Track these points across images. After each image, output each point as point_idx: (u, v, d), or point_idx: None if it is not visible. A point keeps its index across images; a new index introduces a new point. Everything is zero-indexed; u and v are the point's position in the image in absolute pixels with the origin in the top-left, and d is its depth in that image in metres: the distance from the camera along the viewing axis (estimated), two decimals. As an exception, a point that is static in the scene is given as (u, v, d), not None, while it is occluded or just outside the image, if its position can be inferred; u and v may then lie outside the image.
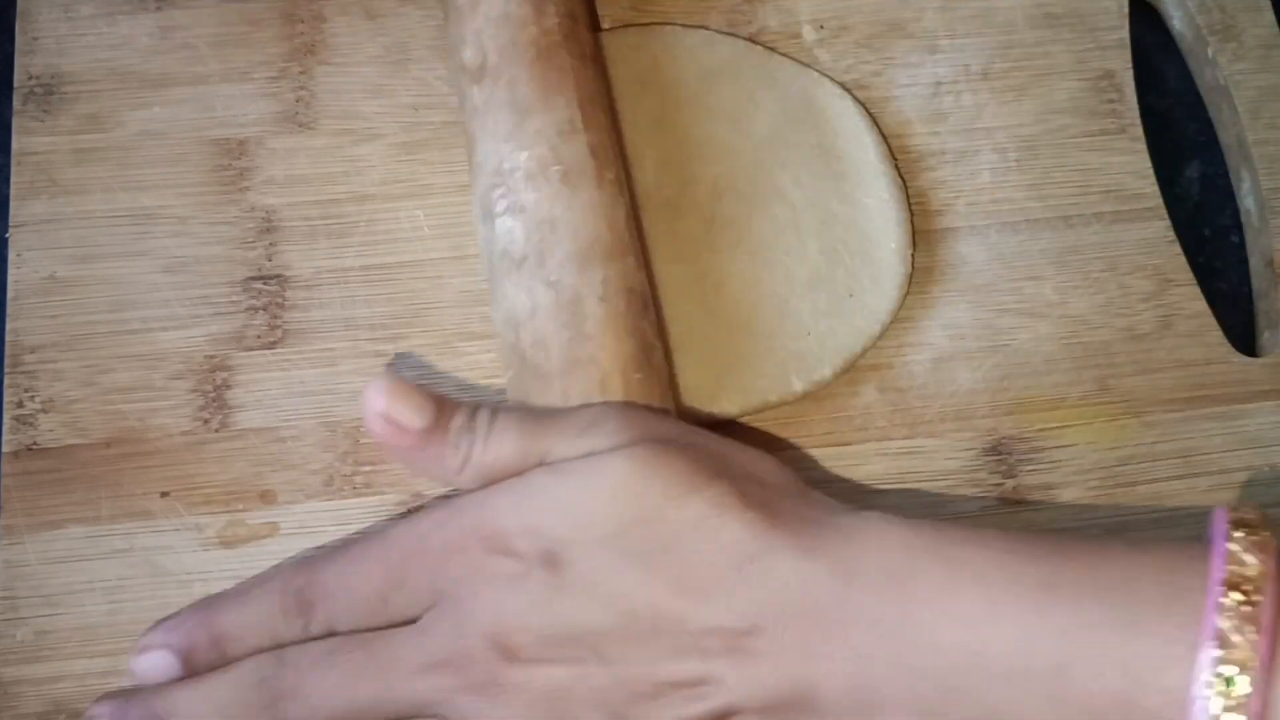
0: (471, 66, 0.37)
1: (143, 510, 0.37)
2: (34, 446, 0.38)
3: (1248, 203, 0.43)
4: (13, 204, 0.40)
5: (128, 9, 0.42)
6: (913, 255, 0.40)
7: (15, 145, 0.40)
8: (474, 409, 0.32)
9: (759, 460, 0.33)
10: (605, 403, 0.33)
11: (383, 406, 0.31)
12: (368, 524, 0.37)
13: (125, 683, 0.35)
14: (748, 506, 0.30)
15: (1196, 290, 0.41)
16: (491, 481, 0.32)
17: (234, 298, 0.39)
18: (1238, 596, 0.27)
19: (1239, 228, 0.43)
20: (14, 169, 0.40)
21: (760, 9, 0.43)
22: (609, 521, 0.30)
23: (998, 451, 0.39)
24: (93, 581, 0.36)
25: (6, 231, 0.40)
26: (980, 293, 0.40)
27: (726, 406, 0.38)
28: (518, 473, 0.31)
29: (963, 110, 0.42)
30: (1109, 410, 0.39)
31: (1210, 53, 0.43)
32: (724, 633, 0.29)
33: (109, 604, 0.36)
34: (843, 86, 0.42)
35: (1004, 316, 0.40)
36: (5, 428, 0.38)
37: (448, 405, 0.32)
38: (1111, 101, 0.43)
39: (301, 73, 0.42)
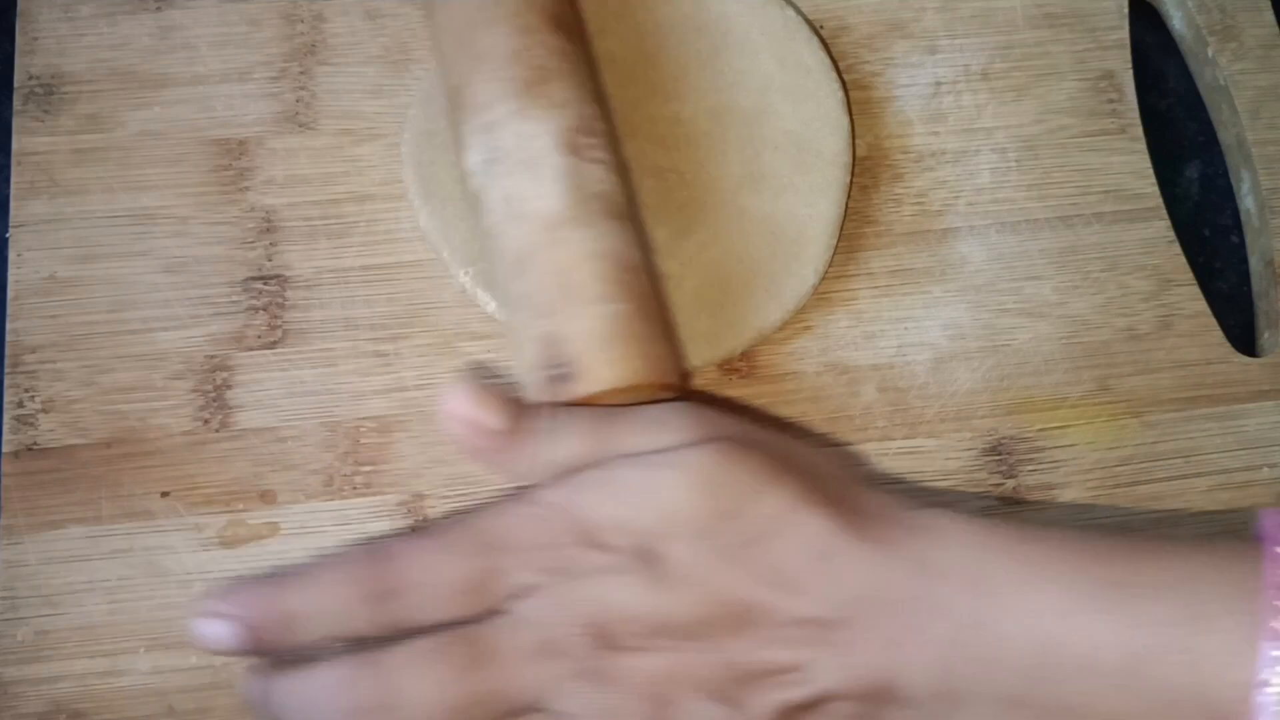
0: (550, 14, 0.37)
1: (143, 510, 0.37)
2: (34, 446, 0.38)
3: (1247, 203, 0.43)
4: (13, 204, 0.40)
5: (128, 9, 0.42)
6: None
7: (15, 145, 0.40)
8: (540, 410, 0.33)
9: (821, 456, 0.34)
10: (673, 401, 0.34)
11: (465, 411, 0.32)
12: (368, 524, 0.37)
13: (125, 682, 0.36)
14: (823, 502, 0.31)
15: (1196, 290, 0.41)
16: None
17: (234, 298, 0.39)
18: None
19: (1239, 228, 0.43)
20: (14, 169, 0.40)
21: (760, 9, 0.43)
22: (696, 516, 0.30)
23: (998, 451, 0.39)
24: (93, 581, 0.36)
25: (7, 231, 0.40)
26: (980, 293, 0.40)
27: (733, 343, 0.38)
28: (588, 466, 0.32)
29: (963, 110, 0.42)
30: (1109, 410, 0.39)
31: (1210, 53, 0.43)
32: (813, 624, 0.30)
33: (109, 604, 0.36)
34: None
35: (1004, 316, 0.40)
36: (5, 428, 0.38)
37: (521, 407, 0.33)
38: (1111, 102, 0.43)
39: (301, 73, 0.42)
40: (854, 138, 0.41)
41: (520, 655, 0.30)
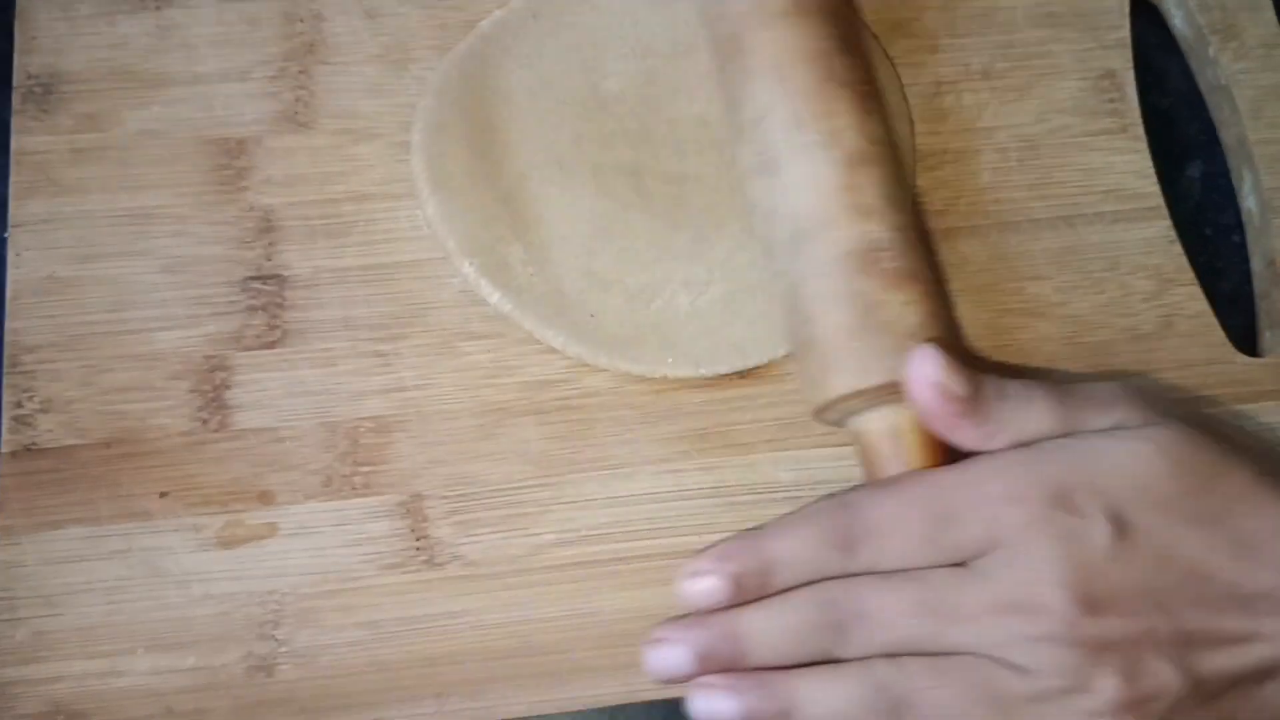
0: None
1: (142, 510, 0.37)
2: (33, 447, 0.37)
3: (1249, 203, 0.43)
4: (11, 204, 0.40)
5: (126, 8, 0.42)
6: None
7: (14, 145, 0.40)
8: (1002, 384, 0.34)
9: (1254, 441, 0.36)
10: (1117, 382, 0.35)
11: (936, 375, 0.33)
12: (367, 524, 0.37)
13: (124, 683, 0.36)
14: (1278, 485, 0.32)
15: (1198, 290, 0.41)
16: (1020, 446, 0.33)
17: (233, 297, 0.39)
18: None
19: (1240, 228, 0.43)
20: (13, 168, 0.40)
21: (761, 8, 0.43)
22: (1168, 488, 0.32)
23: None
24: (91, 582, 0.36)
25: (5, 231, 0.40)
26: (981, 293, 0.40)
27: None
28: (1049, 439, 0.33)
29: (964, 110, 0.42)
30: (1110, 410, 0.39)
31: (1211, 52, 0.43)
32: (1272, 597, 0.32)
33: (108, 604, 0.36)
34: None
35: (1005, 316, 0.40)
36: (4, 428, 0.38)
37: (978, 376, 0.34)
38: (1113, 101, 0.43)
39: (301, 72, 0.42)
40: (914, 140, 0.41)
41: (980, 607, 0.31)
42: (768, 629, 0.32)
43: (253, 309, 0.39)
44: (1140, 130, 0.42)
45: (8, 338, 0.38)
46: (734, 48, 0.37)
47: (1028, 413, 0.33)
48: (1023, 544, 0.31)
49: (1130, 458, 0.32)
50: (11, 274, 0.39)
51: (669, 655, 0.32)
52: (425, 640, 0.36)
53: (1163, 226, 0.41)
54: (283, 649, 0.36)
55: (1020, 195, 0.41)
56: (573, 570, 0.37)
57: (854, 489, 0.33)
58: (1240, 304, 0.42)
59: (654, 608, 0.37)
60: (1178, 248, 0.41)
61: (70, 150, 0.40)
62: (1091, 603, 0.31)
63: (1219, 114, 0.44)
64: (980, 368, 0.34)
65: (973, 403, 0.33)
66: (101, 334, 0.39)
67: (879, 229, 0.35)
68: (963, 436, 0.33)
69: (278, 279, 0.39)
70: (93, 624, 0.36)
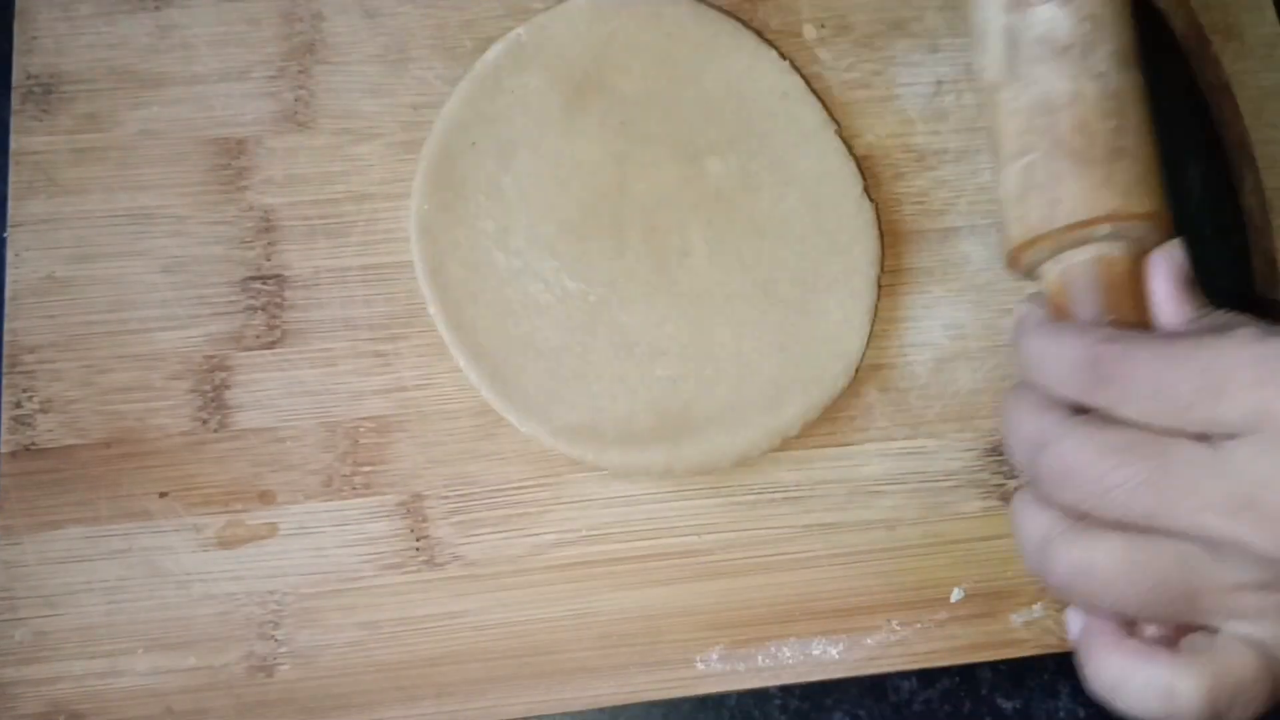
0: None
1: (141, 510, 0.37)
2: (32, 447, 0.37)
3: (1250, 202, 0.43)
4: (11, 203, 0.40)
5: (126, 8, 0.42)
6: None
7: (13, 145, 0.40)
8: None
9: None
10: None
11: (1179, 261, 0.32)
12: (367, 524, 0.37)
13: (124, 683, 0.36)
14: None
15: (1198, 290, 0.41)
16: None
17: (232, 297, 0.39)
18: None
19: (1241, 228, 0.43)
20: (12, 168, 0.40)
21: (761, 7, 0.43)
22: None
23: (999, 452, 0.39)
24: (91, 582, 0.36)
25: (5, 231, 0.40)
26: (982, 292, 0.40)
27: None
28: None
29: (964, 109, 0.42)
30: (1111, 410, 0.39)
31: (1212, 52, 0.43)
32: None
33: (108, 604, 0.36)
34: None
35: (1006, 316, 0.40)
36: (4, 428, 0.38)
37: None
38: (1113, 100, 0.42)
39: (300, 72, 0.41)
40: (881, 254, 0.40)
41: (1212, 500, 0.28)
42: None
43: (252, 309, 0.39)
44: (1141, 130, 0.42)
45: (8, 338, 0.38)
46: None
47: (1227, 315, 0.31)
48: (1276, 441, 0.28)
49: None
50: (11, 274, 0.39)
51: None
52: (425, 640, 0.36)
53: (1163, 226, 0.41)
54: (283, 649, 0.36)
55: (1020, 195, 0.41)
56: (573, 570, 0.37)
57: (1121, 331, 0.31)
58: (1240, 304, 0.42)
59: (654, 608, 0.37)
60: (1178, 247, 0.41)
61: (70, 150, 0.40)
62: None
63: (1219, 114, 0.44)
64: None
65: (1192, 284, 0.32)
66: (101, 334, 0.39)
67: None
68: (1169, 310, 0.32)
69: (277, 279, 0.39)
70: (93, 624, 0.36)
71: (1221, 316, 0.32)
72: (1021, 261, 0.34)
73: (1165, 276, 0.33)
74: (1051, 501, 0.30)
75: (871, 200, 0.40)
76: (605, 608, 0.37)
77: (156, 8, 0.42)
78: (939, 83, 0.43)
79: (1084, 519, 0.29)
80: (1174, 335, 0.31)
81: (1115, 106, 0.34)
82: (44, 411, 0.38)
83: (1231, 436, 0.28)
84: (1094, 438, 0.29)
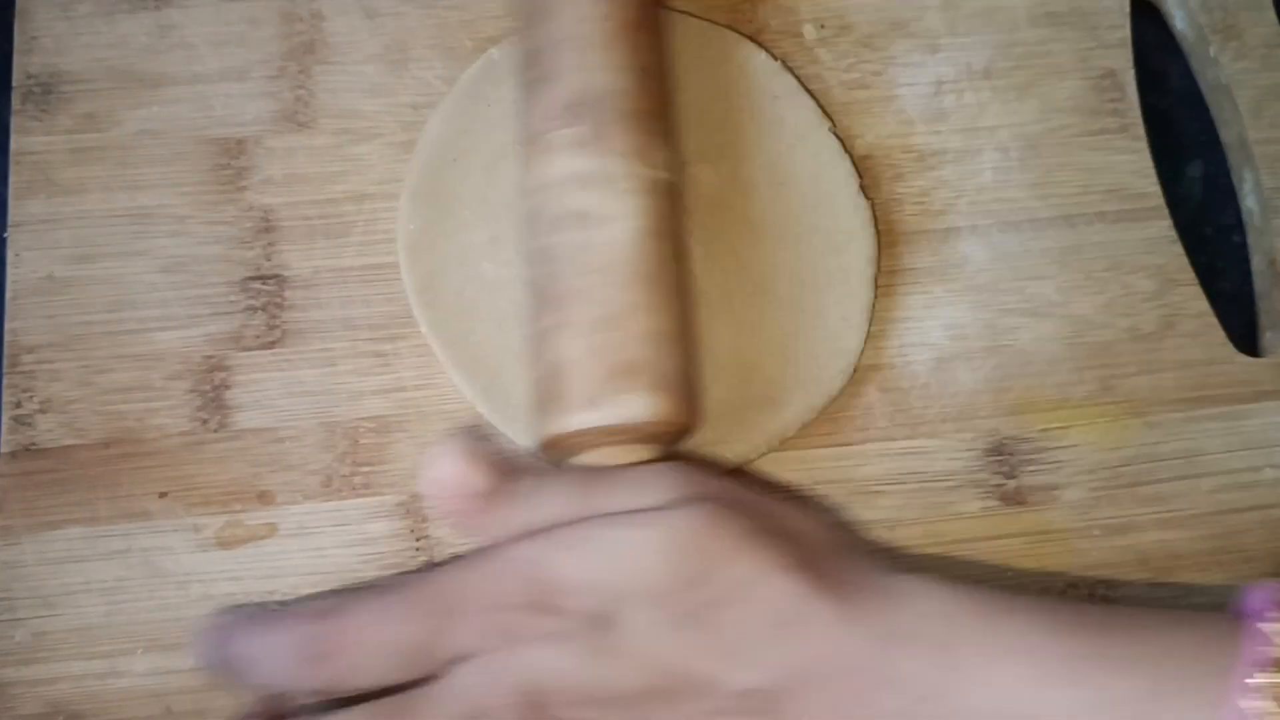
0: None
1: (141, 511, 0.37)
2: (32, 447, 0.37)
3: (1250, 202, 0.43)
4: (11, 203, 0.40)
5: (126, 8, 0.42)
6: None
7: (13, 144, 0.40)
8: (523, 471, 0.32)
9: (805, 518, 0.33)
10: (661, 461, 0.33)
11: (454, 473, 0.31)
12: (366, 524, 0.37)
13: (123, 683, 0.35)
14: (792, 568, 0.30)
15: (1199, 290, 0.41)
16: None
17: (232, 297, 0.39)
18: (1268, 678, 0.28)
19: (1241, 227, 0.43)
20: (12, 168, 0.40)
21: (761, 8, 0.43)
22: (663, 579, 0.29)
23: (1000, 452, 0.39)
24: (90, 582, 0.36)
25: (4, 231, 0.40)
26: (982, 292, 0.40)
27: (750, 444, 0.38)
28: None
29: (964, 109, 0.42)
30: (1111, 410, 0.39)
31: (1212, 52, 0.43)
32: (757, 695, 0.29)
33: (107, 605, 0.36)
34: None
35: (1006, 316, 0.40)
36: (4, 428, 0.38)
37: (508, 465, 0.32)
38: (1113, 100, 0.43)
39: (300, 72, 0.41)
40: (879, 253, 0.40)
41: None
42: None
43: (252, 309, 0.39)
44: (1140, 130, 0.42)
45: (7, 338, 0.38)
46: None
47: (545, 502, 0.31)
48: (492, 651, 0.30)
49: (630, 547, 0.30)
50: (11, 274, 0.39)
51: None
52: (425, 641, 0.36)
53: (1163, 226, 0.41)
54: (282, 649, 0.36)
55: (1020, 195, 0.41)
56: (573, 570, 0.37)
57: (337, 596, 0.32)
58: (1240, 304, 0.42)
59: (654, 608, 0.37)
60: (1178, 248, 0.41)
61: (69, 150, 0.40)
62: (543, 709, 0.29)
63: (1219, 114, 0.44)
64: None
65: (489, 499, 0.31)
66: (101, 334, 0.39)
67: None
68: (481, 532, 0.32)
69: (277, 279, 0.39)
70: (92, 624, 0.36)
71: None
72: (564, 445, 0.34)
73: (445, 509, 0.32)
74: None
75: (868, 199, 0.40)
76: (605, 608, 0.37)
77: (156, 8, 0.42)
78: (939, 83, 0.43)
79: None
80: (399, 580, 0.31)
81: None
82: (43, 411, 0.38)
83: (456, 662, 0.30)
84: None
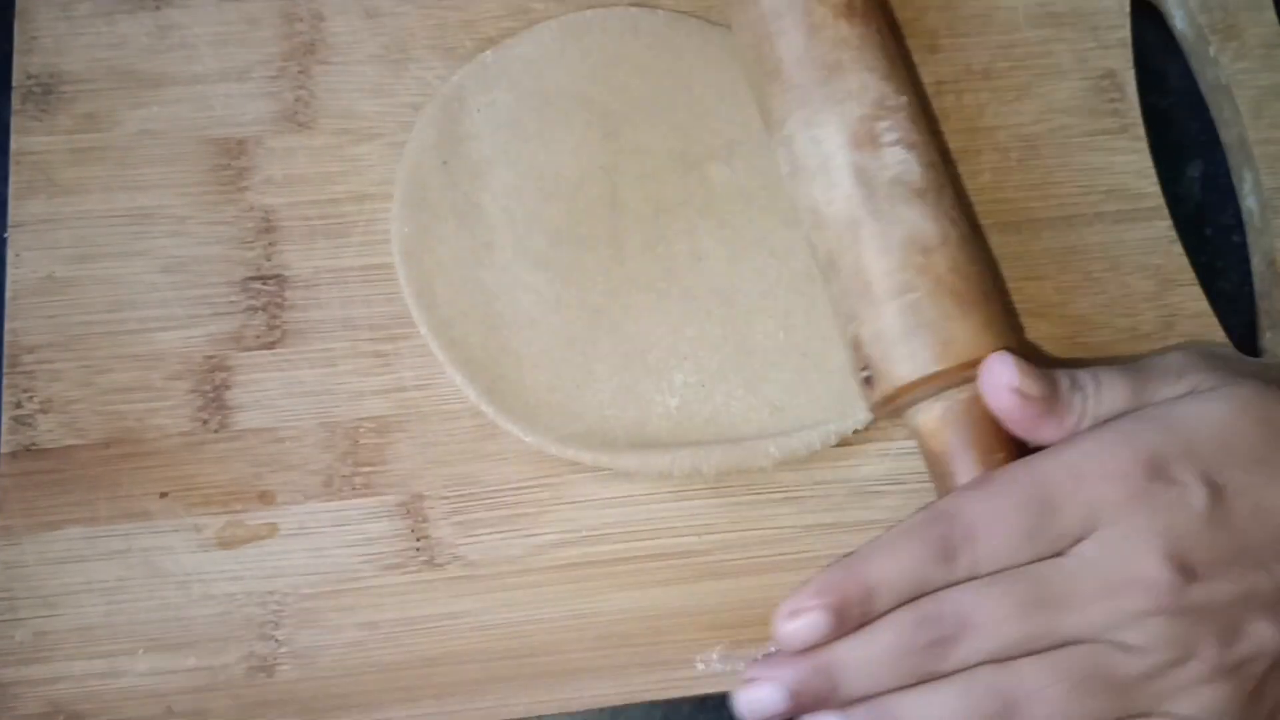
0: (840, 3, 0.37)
1: (141, 511, 0.37)
2: (32, 447, 0.37)
3: (1249, 202, 0.43)
4: (11, 204, 0.40)
5: (126, 8, 0.42)
6: None
7: (13, 145, 0.40)
8: (1073, 374, 0.34)
9: None
10: (1182, 349, 0.35)
11: (1012, 380, 0.33)
12: (367, 525, 0.37)
13: (124, 683, 0.35)
14: None
15: (1198, 290, 0.41)
16: None
17: (232, 298, 0.39)
18: None
19: (1241, 227, 0.43)
20: (12, 168, 0.40)
21: (761, 8, 0.43)
22: (1254, 445, 0.32)
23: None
24: (91, 582, 0.36)
25: (5, 231, 0.40)
26: (981, 293, 0.40)
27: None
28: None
29: (964, 109, 0.42)
30: (1111, 411, 0.39)
31: (1212, 52, 0.43)
32: None
33: (107, 605, 0.36)
34: None
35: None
36: (4, 428, 0.38)
37: (1052, 374, 0.34)
38: (1113, 101, 0.43)
39: (300, 72, 0.41)
40: None
41: (1091, 592, 0.31)
42: (864, 657, 0.31)
43: (253, 309, 0.39)
44: (1140, 130, 0.42)
45: (8, 338, 0.38)
46: (758, 54, 0.37)
47: (1101, 397, 0.33)
48: (1122, 522, 0.31)
49: (1214, 420, 0.32)
50: (11, 274, 0.39)
51: (760, 695, 0.31)
52: (425, 641, 0.36)
53: (1163, 226, 0.41)
54: (283, 649, 0.36)
55: (1020, 195, 0.41)
56: (573, 570, 0.37)
57: (946, 497, 0.33)
58: (1240, 304, 0.42)
59: (654, 608, 0.37)
60: (1178, 248, 0.41)
61: (70, 150, 0.40)
62: (1192, 570, 0.31)
63: (1219, 114, 0.44)
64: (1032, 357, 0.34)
65: (1050, 401, 0.33)
66: (101, 334, 0.39)
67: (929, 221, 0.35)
68: (1046, 434, 0.33)
69: (278, 279, 0.39)
70: (92, 624, 0.36)
71: (1073, 397, 0.33)
72: (900, 400, 0.34)
73: (1010, 414, 0.33)
74: (946, 656, 0.31)
75: None
76: (605, 608, 0.37)
77: (156, 8, 0.42)
78: (939, 83, 0.43)
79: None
80: (996, 474, 0.33)
81: (975, 250, 0.36)
82: (44, 412, 0.38)
83: (1080, 539, 0.31)
84: (977, 589, 0.31)
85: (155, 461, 0.38)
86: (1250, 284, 0.43)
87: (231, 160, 0.40)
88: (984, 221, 0.41)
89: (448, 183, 0.39)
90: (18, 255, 0.39)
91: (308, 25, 0.42)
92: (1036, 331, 0.40)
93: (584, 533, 0.38)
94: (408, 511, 0.37)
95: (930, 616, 0.31)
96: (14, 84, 0.41)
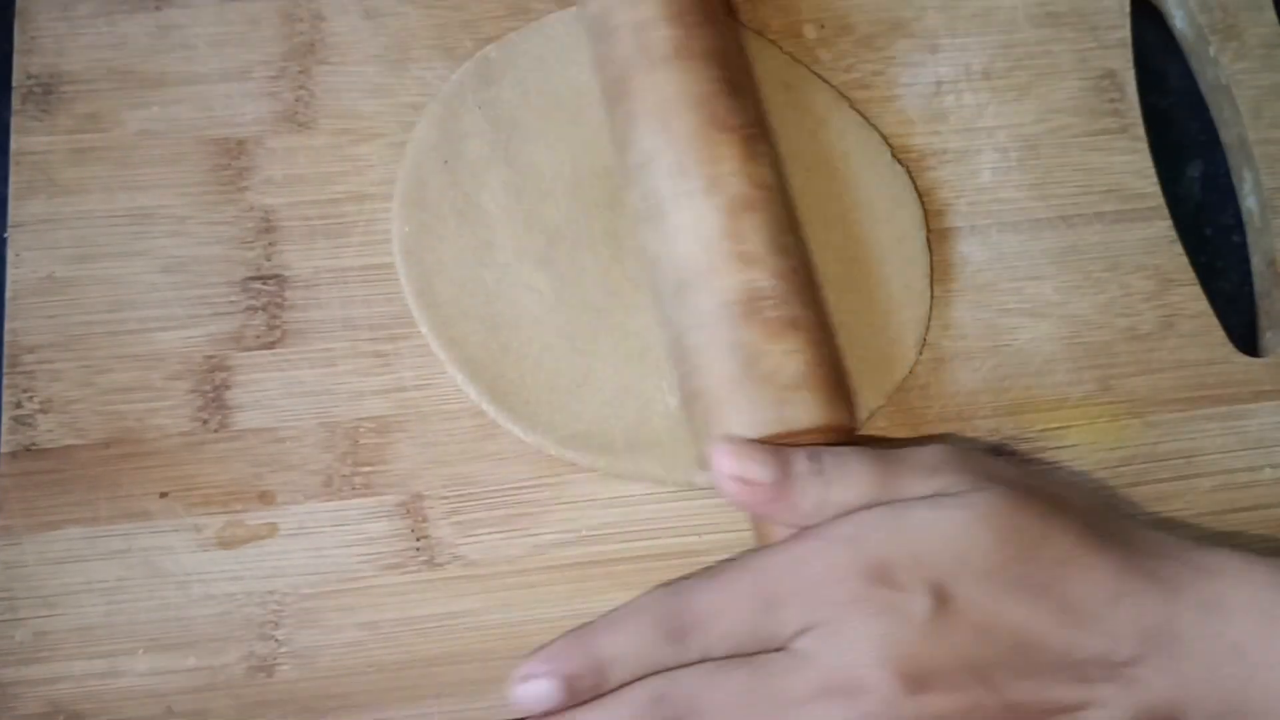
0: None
1: (141, 511, 0.37)
2: (32, 447, 0.37)
3: (1249, 202, 0.43)
4: (11, 204, 0.40)
5: (126, 8, 0.42)
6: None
7: (14, 145, 0.40)
8: (815, 454, 0.33)
9: (1079, 494, 0.35)
10: (941, 445, 0.34)
11: (733, 468, 0.32)
12: (367, 525, 0.37)
13: (124, 683, 0.35)
14: (1108, 544, 0.32)
15: (1198, 290, 0.41)
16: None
17: (233, 298, 0.39)
18: None
19: (1241, 227, 0.43)
20: (12, 168, 0.40)
21: (761, 8, 0.43)
22: (991, 556, 0.31)
23: (999, 452, 0.39)
24: (91, 582, 0.36)
25: (5, 231, 0.40)
26: (981, 292, 0.40)
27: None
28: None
29: (964, 110, 0.42)
30: (1111, 411, 0.39)
31: (1212, 52, 0.43)
32: (1105, 662, 0.31)
33: (107, 605, 0.36)
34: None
35: (1005, 316, 0.40)
36: (4, 428, 0.38)
37: (787, 454, 0.33)
38: (1113, 101, 0.43)
39: (300, 72, 0.42)
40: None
41: (806, 692, 0.30)
42: None
43: (253, 309, 0.39)
44: (1140, 130, 0.42)
45: (8, 338, 0.38)
46: (620, 91, 0.37)
47: (847, 482, 0.32)
48: (843, 623, 0.31)
49: (951, 527, 0.31)
50: (11, 274, 0.39)
51: None
52: (425, 640, 0.36)
53: (1163, 226, 0.41)
54: (283, 649, 0.36)
55: (1020, 195, 0.41)
56: (573, 570, 0.37)
57: (685, 576, 0.33)
58: (1240, 304, 0.42)
59: (654, 608, 0.37)
60: (1178, 247, 0.41)
61: (70, 150, 0.40)
62: (912, 680, 0.30)
63: (1219, 114, 0.44)
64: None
65: (780, 485, 0.32)
66: (101, 334, 0.39)
67: (761, 277, 0.34)
68: (781, 516, 0.33)
69: (278, 279, 0.39)
70: (92, 624, 0.36)
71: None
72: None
73: (737, 501, 0.33)
74: None
75: (902, 164, 0.40)
76: (605, 608, 0.37)
77: (156, 8, 0.42)
78: (939, 83, 0.43)
79: None
80: (733, 561, 0.33)
81: (679, 353, 0.36)
82: (44, 412, 0.38)
83: (801, 633, 0.31)
84: (709, 673, 0.31)
85: (155, 461, 0.38)
86: (1250, 284, 0.43)
87: (231, 160, 0.40)
88: (983, 222, 0.41)
89: (448, 182, 0.40)
90: (18, 255, 0.39)
91: (308, 25, 0.42)
92: (1036, 331, 0.40)
93: (584, 533, 0.38)
94: (407, 511, 0.37)
95: (664, 696, 0.31)
96: (14, 84, 0.41)
